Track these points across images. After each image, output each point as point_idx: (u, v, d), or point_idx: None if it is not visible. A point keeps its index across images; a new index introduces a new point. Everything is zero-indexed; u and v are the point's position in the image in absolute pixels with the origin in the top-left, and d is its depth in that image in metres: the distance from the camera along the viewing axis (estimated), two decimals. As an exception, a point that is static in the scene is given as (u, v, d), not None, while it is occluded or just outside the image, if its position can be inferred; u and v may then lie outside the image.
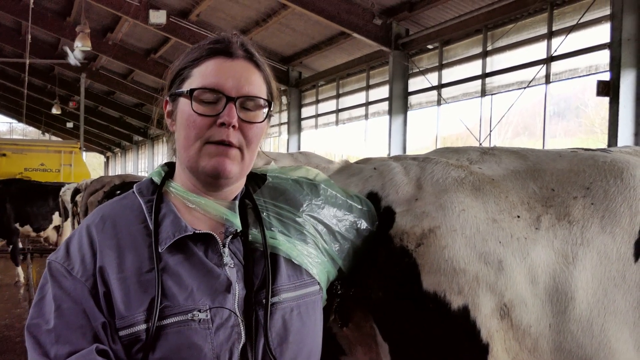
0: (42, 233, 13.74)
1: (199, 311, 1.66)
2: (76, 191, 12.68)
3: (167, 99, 1.84)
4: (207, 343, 1.64)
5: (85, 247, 1.71)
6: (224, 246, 1.75)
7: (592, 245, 1.99)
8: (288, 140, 23.31)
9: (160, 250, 1.69)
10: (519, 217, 2.02)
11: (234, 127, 1.71)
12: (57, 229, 13.84)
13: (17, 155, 25.18)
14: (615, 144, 11.02)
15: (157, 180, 1.86)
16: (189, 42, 19.41)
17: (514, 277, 1.94)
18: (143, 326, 1.63)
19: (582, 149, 2.39)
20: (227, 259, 1.74)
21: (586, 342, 1.95)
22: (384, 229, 2.07)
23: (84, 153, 32.22)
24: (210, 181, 1.77)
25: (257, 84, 1.77)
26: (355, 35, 17.06)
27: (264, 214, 1.85)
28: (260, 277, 1.76)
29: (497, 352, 1.94)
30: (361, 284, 2.08)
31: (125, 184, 9.44)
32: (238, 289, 1.72)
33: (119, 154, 53.50)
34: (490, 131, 14.70)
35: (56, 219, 13.68)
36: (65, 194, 13.86)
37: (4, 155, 24.88)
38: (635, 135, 11.02)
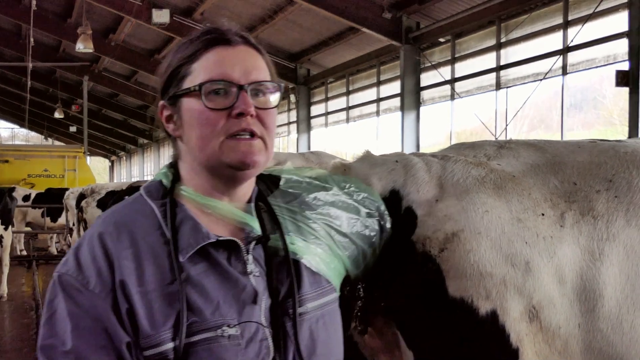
0: None
1: (228, 326, 1.57)
2: (81, 196, 12.42)
3: (164, 103, 1.72)
4: None
5: (100, 258, 1.57)
6: (247, 253, 1.65)
7: (618, 240, 1.96)
8: (297, 139, 23.33)
9: (181, 260, 1.58)
10: (543, 215, 1.99)
11: (252, 115, 1.62)
12: None
13: (20, 161, 25.23)
14: (636, 135, 11.01)
15: (166, 182, 1.73)
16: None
17: (541, 277, 1.91)
18: (170, 345, 1.54)
19: (599, 140, 2.35)
20: (251, 266, 1.65)
21: (616, 340, 1.93)
22: (405, 234, 2.02)
23: (89, 157, 32.26)
24: (234, 174, 1.66)
25: (263, 69, 1.71)
26: (364, 30, 17.01)
27: (280, 218, 1.76)
28: (285, 285, 1.68)
29: (527, 356, 1.92)
30: (383, 291, 2.04)
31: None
32: (264, 299, 1.64)
33: (124, 157, 53.63)
34: (506, 125, 14.68)
35: None
36: (69, 198, 13.58)
37: (7, 161, 24.90)
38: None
